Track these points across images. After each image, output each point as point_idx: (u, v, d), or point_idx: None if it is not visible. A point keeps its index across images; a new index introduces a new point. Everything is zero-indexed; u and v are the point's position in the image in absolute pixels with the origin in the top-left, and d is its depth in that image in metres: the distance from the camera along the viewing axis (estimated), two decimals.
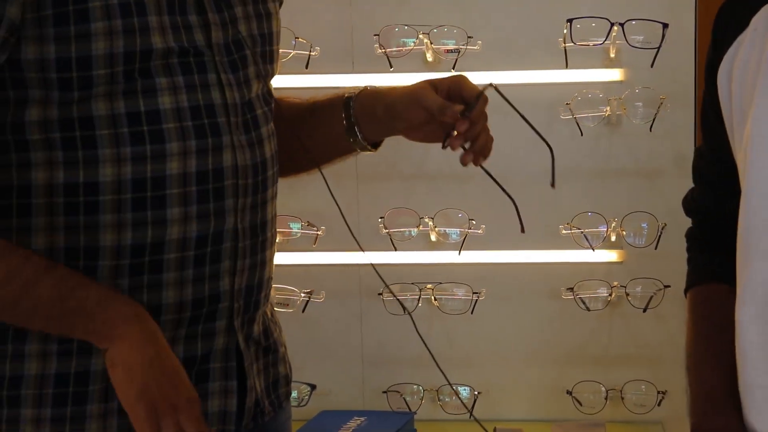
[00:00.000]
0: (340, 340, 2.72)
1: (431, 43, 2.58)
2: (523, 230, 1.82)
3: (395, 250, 2.64)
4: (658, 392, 2.65)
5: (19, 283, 1.53)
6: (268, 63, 1.78)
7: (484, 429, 2.08)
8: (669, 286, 2.56)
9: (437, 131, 1.80)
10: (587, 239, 2.61)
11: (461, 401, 2.62)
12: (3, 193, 1.60)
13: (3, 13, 1.52)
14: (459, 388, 2.63)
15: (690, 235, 1.88)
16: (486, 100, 1.78)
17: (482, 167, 1.81)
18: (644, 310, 2.62)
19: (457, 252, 2.64)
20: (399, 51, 2.60)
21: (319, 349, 2.58)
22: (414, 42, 2.59)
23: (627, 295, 2.63)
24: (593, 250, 2.63)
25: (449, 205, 2.63)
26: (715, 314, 1.77)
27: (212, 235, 1.65)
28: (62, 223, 1.58)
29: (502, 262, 2.69)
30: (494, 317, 2.69)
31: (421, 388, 2.68)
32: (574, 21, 2.55)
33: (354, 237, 1.82)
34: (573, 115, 2.59)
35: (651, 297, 2.61)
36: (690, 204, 1.87)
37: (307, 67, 2.61)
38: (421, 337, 1.90)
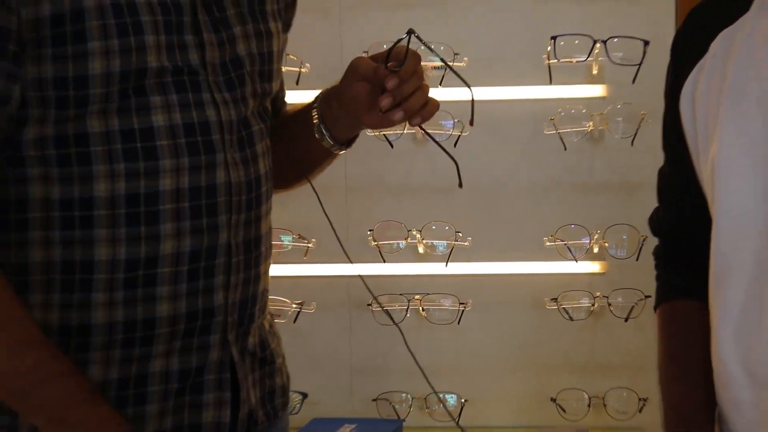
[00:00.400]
0: (330, 350, 2.73)
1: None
2: (461, 185, 1.73)
3: (384, 261, 2.64)
4: (640, 399, 2.66)
5: (34, 379, 1.52)
6: (266, 81, 1.77)
7: None
8: (650, 296, 2.50)
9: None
10: (570, 251, 2.62)
11: (446, 410, 2.63)
12: (2, 208, 1.59)
13: (8, 25, 1.52)
14: (446, 396, 2.63)
15: (657, 254, 1.89)
16: (417, 57, 1.73)
17: (421, 128, 1.78)
18: (626, 320, 2.63)
19: (444, 263, 2.64)
20: None
21: (309, 359, 2.59)
22: None
23: (609, 305, 2.64)
24: (576, 261, 2.64)
25: (436, 217, 2.63)
26: (682, 331, 1.80)
27: (205, 250, 1.64)
28: (58, 238, 1.58)
29: (488, 273, 2.69)
30: (480, 327, 2.69)
31: (409, 396, 2.69)
32: (558, 38, 2.56)
33: (343, 249, 1.82)
34: (557, 130, 2.61)
35: (632, 307, 2.61)
36: (655, 223, 1.88)
37: (297, 83, 2.63)
38: (408, 348, 1.89)
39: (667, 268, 1.87)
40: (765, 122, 1.67)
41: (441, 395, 2.59)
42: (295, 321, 2.64)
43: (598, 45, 2.57)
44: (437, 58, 2.53)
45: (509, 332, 2.71)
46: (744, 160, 1.68)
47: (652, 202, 1.90)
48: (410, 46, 1.73)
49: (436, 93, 1.80)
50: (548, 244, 2.62)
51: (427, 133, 1.81)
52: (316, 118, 1.81)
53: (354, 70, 1.76)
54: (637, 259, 2.59)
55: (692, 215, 1.76)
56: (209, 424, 1.68)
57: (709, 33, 1.74)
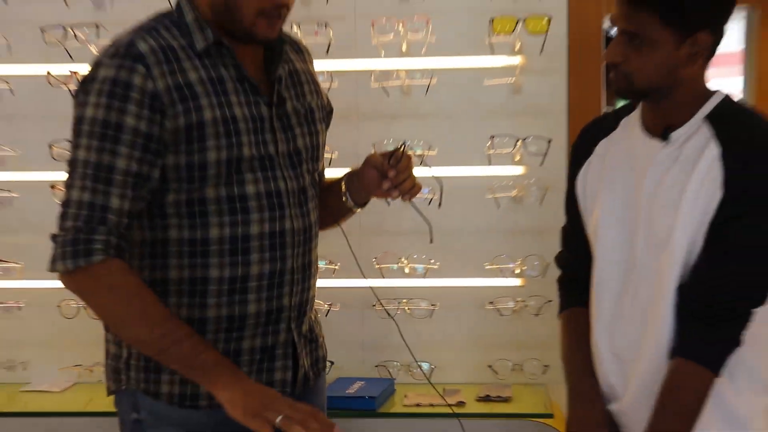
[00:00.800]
0: (349, 334, 2.68)
1: None
2: (431, 241, 1.74)
3: (383, 277, 2.61)
4: (544, 366, 2.64)
5: (169, 340, 1.50)
6: (315, 162, 1.74)
7: (436, 390, 2.08)
8: (551, 301, 2.55)
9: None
10: (502, 271, 2.61)
11: (423, 372, 2.60)
12: (153, 244, 1.60)
13: (155, 132, 1.51)
14: (422, 364, 2.61)
15: (560, 280, 1.87)
16: (409, 158, 1.70)
17: (410, 202, 1.73)
18: (536, 315, 2.62)
19: (422, 279, 2.63)
20: None
21: (336, 340, 2.51)
22: None
23: (526, 306, 2.63)
24: (506, 278, 2.62)
25: (417, 250, 2.61)
26: (579, 329, 1.75)
27: (278, 272, 1.63)
28: (187, 263, 1.59)
29: (450, 285, 2.66)
30: (445, 321, 2.67)
31: (398, 363, 2.66)
32: (494, 137, 2.54)
33: (360, 269, 1.84)
34: (494, 195, 2.59)
35: (541, 307, 2.60)
36: (559, 261, 1.87)
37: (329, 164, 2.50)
38: (401, 334, 1.92)
39: (565, 288, 1.86)
40: (624, 199, 1.67)
41: (419, 363, 2.58)
42: (326, 315, 2.62)
43: (519, 143, 2.53)
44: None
45: (463, 324, 2.68)
46: (613, 221, 1.68)
47: (554, 241, 1.89)
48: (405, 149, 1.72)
49: (419, 171, 1.77)
50: (488, 267, 2.61)
51: (414, 206, 1.78)
52: (344, 189, 1.78)
53: (368, 161, 1.74)
54: (543, 277, 2.57)
55: (583, 254, 1.76)
56: (279, 381, 1.67)
57: (593, 141, 1.75)
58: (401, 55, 2.53)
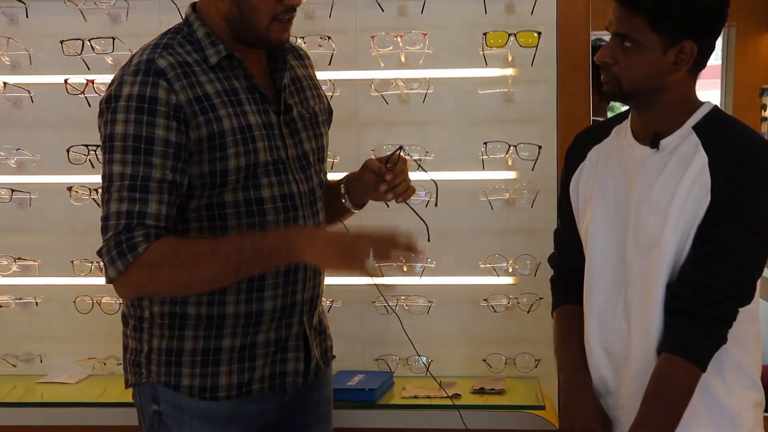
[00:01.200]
0: (350, 329, 2.66)
1: None
2: (429, 239, 1.74)
3: (382, 275, 2.46)
4: (536, 360, 2.64)
5: (235, 256, 1.50)
6: (320, 164, 1.77)
7: (437, 382, 2.13)
8: (542, 298, 2.55)
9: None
10: (495, 270, 2.59)
11: (423, 364, 2.57)
12: None
13: (185, 142, 1.53)
14: (420, 357, 2.57)
15: (552, 280, 1.88)
16: (405, 161, 1.71)
17: (407, 203, 1.74)
18: (528, 312, 2.61)
19: (419, 277, 2.59)
20: None
21: (338, 334, 2.43)
22: None
23: (518, 303, 2.61)
24: (499, 276, 2.60)
25: None
26: (571, 325, 1.75)
27: (293, 269, 1.66)
28: None
29: (446, 283, 2.64)
30: (441, 316, 2.65)
31: (397, 357, 2.65)
32: (488, 143, 2.53)
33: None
34: (487, 198, 2.58)
35: (532, 304, 2.59)
36: (552, 261, 1.88)
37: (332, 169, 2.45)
38: (403, 327, 1.94)
39: (558, 287, 1.85)
40: (615, 202, 1.67)
41: (417, 356, 2.55)
42: (328, 311, 2.57)
43: (511, 148, 2.52)
44: (417, 155, 2.45)
45: (458, 319, 2.66)
46: (604, 222, 1.68)
47: (545, 240, 1.89)
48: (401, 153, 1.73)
49: (414, 175, 1.79)
50: (482, 266, 2.59)
51: (411, 207, 1.79)
52: (343, 191, 1.80)
53: (366, 166, 1.76)
54: (535, 276, 2.55)
55: (575, 255, 1.76)
56: (291, 371, 1.71)
57: (587, 147, 1.75)
58: (400, 66, 2.54)
